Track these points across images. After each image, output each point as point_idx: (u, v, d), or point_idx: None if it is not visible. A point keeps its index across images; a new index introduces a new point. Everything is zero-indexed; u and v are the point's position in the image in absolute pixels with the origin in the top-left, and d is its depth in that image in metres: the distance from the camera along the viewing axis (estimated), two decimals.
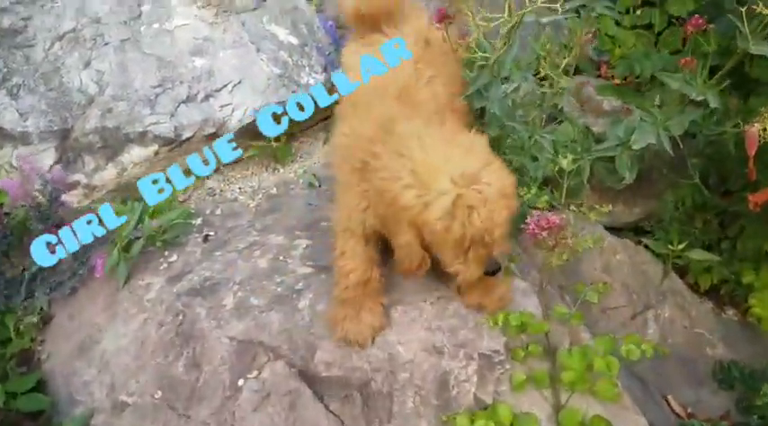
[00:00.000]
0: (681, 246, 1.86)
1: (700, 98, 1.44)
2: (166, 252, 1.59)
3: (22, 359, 1.43)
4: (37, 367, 1.42)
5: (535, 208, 1.46)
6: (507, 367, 1.24)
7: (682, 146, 1.65)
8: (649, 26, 2.45)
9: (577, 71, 2.38)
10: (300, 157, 2.25)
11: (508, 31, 1.40)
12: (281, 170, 2.18)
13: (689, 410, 1.80)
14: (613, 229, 2.24)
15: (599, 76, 2.51)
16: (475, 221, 1.05)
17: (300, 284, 1.40)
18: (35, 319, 1.46)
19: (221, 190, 2.03)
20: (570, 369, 1.18)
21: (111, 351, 1.33)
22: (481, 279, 1.18)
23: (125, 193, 1.80)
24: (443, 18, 1.26)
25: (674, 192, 2.08)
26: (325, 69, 2.28)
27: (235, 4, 2.14)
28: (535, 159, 1.64)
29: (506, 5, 1.35)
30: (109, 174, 1.73)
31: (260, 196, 1.98)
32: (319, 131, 2.41)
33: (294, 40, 2.25)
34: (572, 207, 1.41)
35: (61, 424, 1.25)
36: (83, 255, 1.48)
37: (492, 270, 1.12)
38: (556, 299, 1.47)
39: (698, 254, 1.97)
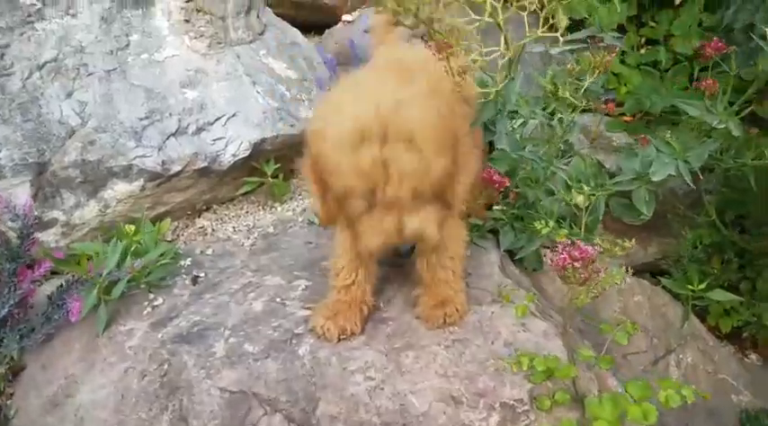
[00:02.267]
0: (701, 286, 1.81)
1: (721, 126, 1.42)
2: (151, 295, 1.50)
3: None
4: (3, 425, 1.30)
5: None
6: (532, 418, 1.16)
7: (700, 179, 1.63)
8: (655, 64, 2.50)
9: (584, 109, 2.41)
10: (300, 195, 2.20)
11: (508, 64, 1.38)
12: (279, 208, 2.12)
13: None
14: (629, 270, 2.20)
15: (606, 114, 2.54)
16: (367, 160, 0.95)
17: (300, 328, 1.33)
18: (2, 370, 1.36)
19: (213, 230, 1.96)
20: (602, 419, 1.10)
21: (87, 405, 1.22)
22: (431, 289, 1.24)
23: (108, 232, 1.72)
24: (443, 48, 1.23)
25: (691, 231, 2.05)
26: None
27: (230, 36, 2.14)
28: (551, 193, 1.60)
29: (503, 37, 1.33)
30: (90, 212, 1.66)
31: (255, 235, 1.92)
32: None
33: (293, 74, 2.25)
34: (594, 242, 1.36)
35: None
36: (58, 298, 1.40)
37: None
38: (578, 343, 1.40)
39: (720, 295, 1.92)
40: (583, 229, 1.44)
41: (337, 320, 1.26)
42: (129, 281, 1.43)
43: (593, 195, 1.64)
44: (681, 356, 2.02)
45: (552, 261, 1.06)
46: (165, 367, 1.24)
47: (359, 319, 1.28)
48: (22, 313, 1.38)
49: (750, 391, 2.01)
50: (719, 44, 1.32)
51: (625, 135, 2.38)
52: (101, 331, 1.38)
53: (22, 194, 1.52)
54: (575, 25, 2.44)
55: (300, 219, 2.03)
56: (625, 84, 2.54)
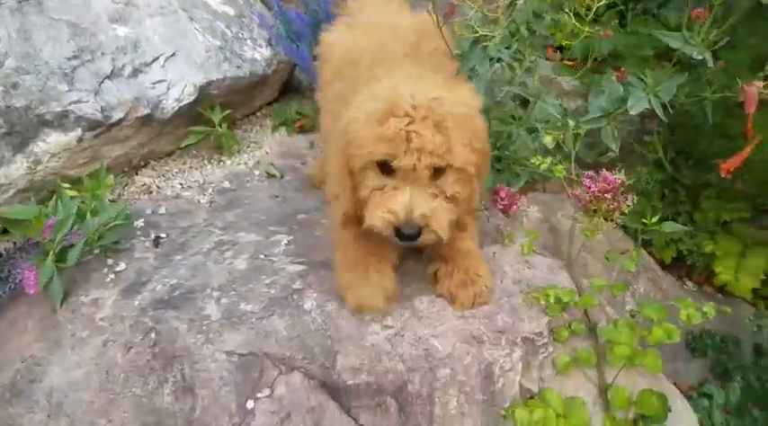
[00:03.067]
0: (654, 220, 1.92)
1: (698, 57, 1.47)
2: (109, 261, 1.33)
3: None
4: None
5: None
6: (550, 349, 1.17)
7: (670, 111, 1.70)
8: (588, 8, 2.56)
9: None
10: (248, 147, 2.05)
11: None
12: (227, 161, 1.97)
13: (691, 385, 1.86)
14: None
15: (546, 59, 2.60)
16: (392, 129, 0.98)
17: (297, 283, 1.24)
18: None
19: (159, 187, 1.78)
20: (622, 344, 1.14)
21: (62, 388, 1.06)
22: (455, 262, 1.16)
23: (40, 192, 1.50)
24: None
25: (645, 168, 2.15)
26: (269, 43, 2.10)
27: None
28: (532, 130, 1.60)
29: None
30: (17, 169, 1.43)
31: (209, 191, 1.76)
32: (265, 118, 2.22)
33: (230, 10, 2.06)
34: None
35: None
36: (2, 269, 1.20)
37: (410, 235, 1.00)
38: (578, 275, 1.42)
39: (669, 227, 2.05)
40: (573, 163, 1.46)
41: (373, 281, 1.13)
42: (85, 245, 1.25)
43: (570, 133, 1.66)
44: (635, 287, 2.14)
45: (578, 194, 1.06)
46: (153, 336, 1.11)
47: (393, 275, 1.17)
48: None
49: None
50: None
51: (572, 77, 2.43)
52: (58, 304, 1.20)
53: None
54: None
55: (257, 173, 1.90)
56: (560, 30, 2.59)
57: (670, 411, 1.18)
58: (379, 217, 1.00)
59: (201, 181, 1.84)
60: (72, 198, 1.38)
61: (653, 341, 1.12)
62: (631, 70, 1.76)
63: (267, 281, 1.25)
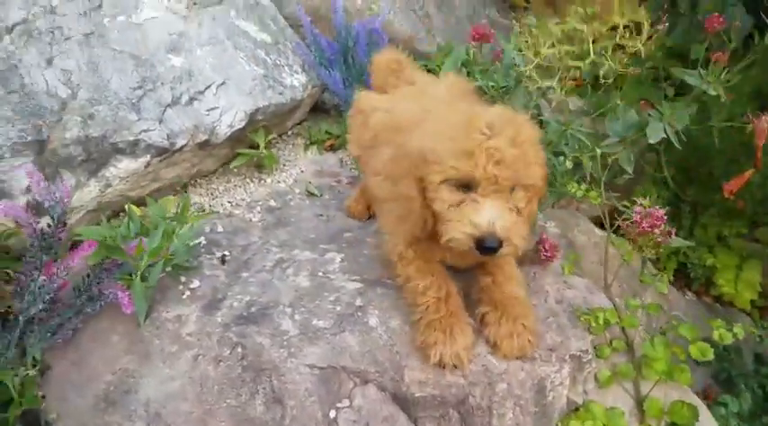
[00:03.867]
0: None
1: (712, 93, 1.61)
2: (182, 278, 1.43)
3: (25, 423, 1.21)
4: None
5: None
6: (593, 365, 1.29)
7: (682, 139, 1.83)
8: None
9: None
10: (284, 166, 2.15)
11: None
12: (267, 180, 2.07)
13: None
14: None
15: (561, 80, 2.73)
16: (473, 144, 1.02)
17: (358, 300, 1.34)
18: (33, 372, 1.24)
19: (210, 205, 1.87)
20: (659, 359, 1.26)
21: (160, 399, 1.16)
22: (504, 308, 1.18)
23: (105, 213, 1.59)
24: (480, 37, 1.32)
25: (655, 187, 2.29)
26: (303, 68, 2.21)
27: None
28: (559, 154, 1.73)
29: None
30: (89, 193, 1.52)
31: (258, 209, 1.86)
32: (296, 137, 2.32)
33: (266, 38, 2.16)
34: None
35: None
36: (86, 288, 1.29)
37: (486, 244, 1.00)
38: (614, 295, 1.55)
39: (677, 242, 2.19)
40: (603, 188, 1.59)
41: (458, 341, 1.16)
42: (162, 266, 1.34)
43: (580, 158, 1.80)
44: (643, 298, 2.27)
45: (629, 228, 1.18)
46: (240, 350, 1.21)
47: (471, 331, 1.20)
48: (51, 309, 1.25)
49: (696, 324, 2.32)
50: (720, 19, 1.48)
51: (577, 98, 2.56)
52: (142, 319, 1.30)
53: (21, 179, 1.35)
54: None
55: (297, 191, 2.00)
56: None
57: (698, 418, 1.30)
58: (459, 230, 1.02)
59: (248, 200, 1.93)
60: (142, 218, 1.47)
61: (693, 356, 1.25)
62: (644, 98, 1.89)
63: (331, 299, 1.35)
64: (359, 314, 1.30)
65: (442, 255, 1.26)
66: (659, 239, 1.18)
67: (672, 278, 2.42)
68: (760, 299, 2.30)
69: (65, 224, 1.24)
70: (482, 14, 2.84)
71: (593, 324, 1.30)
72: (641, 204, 1.23)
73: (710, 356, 1.26)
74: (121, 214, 1.69)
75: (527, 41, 1.73)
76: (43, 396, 1.26)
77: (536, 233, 1.66)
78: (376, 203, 1.47)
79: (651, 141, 1.73)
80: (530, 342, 1.21)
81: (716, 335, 1.26)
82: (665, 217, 1.18)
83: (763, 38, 1.49)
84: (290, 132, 2.34)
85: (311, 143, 2.28)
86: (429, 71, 2.39)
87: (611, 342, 1.32)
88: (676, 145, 1.78)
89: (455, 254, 1.21)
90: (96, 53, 1.63)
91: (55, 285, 1.21)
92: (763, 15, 1.42)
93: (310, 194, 1.97)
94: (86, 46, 1.62)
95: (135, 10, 1.76)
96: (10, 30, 1.53)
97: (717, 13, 1.53)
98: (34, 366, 1.26)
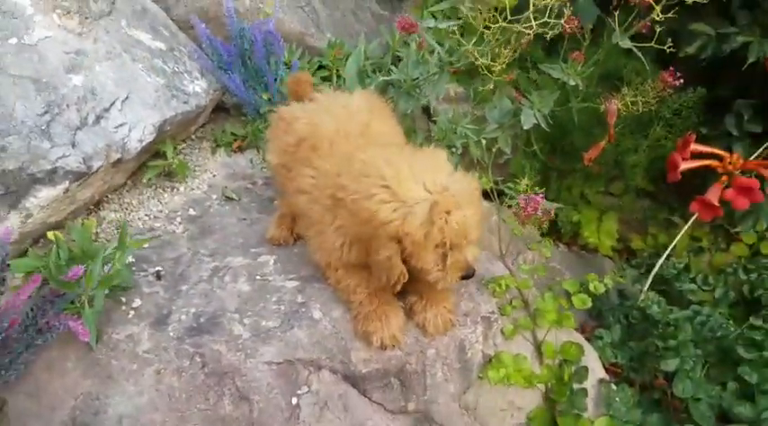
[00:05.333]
0: None
1: (572, 83, 1.91)
2: (123, 299, 1.48)
3: None
4: None
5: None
6: (500, 322, 1.55)
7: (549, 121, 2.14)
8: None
9: None
10: (194, 171, 2.18)
11: None
12: (180, 188, 2.09)
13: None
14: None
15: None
16: (452, 224, 1.19)
17: (299, 297, 1.49)
18: None
19: (127, 222, 1.88)
20: (549, 311, 1.55)
21: (133, 414, 1.23)
22: (428, 296, 1.41)
23: (27, 242, 1.57)
24: (407, 27, 1.47)
25: (527, 159, 2.62)
26: (202, 74, 2.23)
27: (92, 9, 1.95)
28: (451, 146, 1.96)
29: None
30: (11, 225, 1.50)
31: (178, 220, 1.91)
32: (201, 141, 2.34)
33: (161, 45, 2.16)
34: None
35: None
36: (31, 321, 1.30)
37: (468, 275, 1.28)
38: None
39: (546, 205, 2.56)
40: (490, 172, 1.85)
41: (392, 323, 1.36)
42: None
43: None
44: (525, 255, 2.63)
45: (516, 212, 1.43)
46: (198, 359, 1.31)
47: (402, 313, 1.41)
48: (2, 346, 1.26)
49: (569, 272, 2.72)
50: (575, 21, 1.75)
51: (456, 85, 2.80)
52: (94, 344, 1.34)
53: None
54: None
55: (215, 197, 2.06)
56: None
57: (584, 352, 1.62)
58: (455, 276, 1.27)
59: (166, 211, 1.96)
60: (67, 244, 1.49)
61: (576, 307, 1.56)
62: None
63: (274, 299, 1.48)
64: (302, 310, 1.44)
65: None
66: (542, 219, 1.44)
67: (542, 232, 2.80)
68: (618, 244, 2.73)
69: (8, 265, 1.24)
70: (365, 8, 2.98)
71: (497, 289, 1.56)
72: (524, 190, 1.48)
73: (589, 304, 1.57)
74: (41, 241, 1.66)
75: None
76: None
77: None
78: (303, 220, 1.54)
79: (525, 127, 2.02)
80: (450, 320, 1.45)
81: (591, 287, 1.57)
82: (542, 200, 1.44)
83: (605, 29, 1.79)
84: (193, 136, 2.36)
85: (218, 145, 2.32)
86: (325, 70, 2.51)
87: (511, 302, 1.59)
88: (545, 127, 2.08)
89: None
90: None
91: (5, 324, 1.22)
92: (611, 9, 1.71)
93: (228, 198, 2.04)
94: None
95: (27, 31, 1.69)
96: None
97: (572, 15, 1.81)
98: None
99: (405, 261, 1.26)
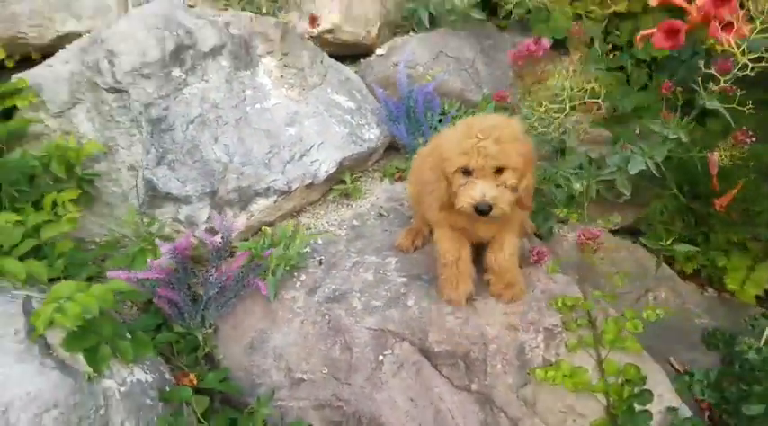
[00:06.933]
0: (668, 242, 2.32)
1: (673, 136, 1.90)
2: (296, 274, 2.01)
3: (207, 361, 1.85)
4: (217, 365, 1.83)
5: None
6: (564, 336, 1.67)
7: (662, 168, 2.11)
8: (621, 67, 2.94)
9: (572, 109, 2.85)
10: (365, 194, 2.69)
11: None
12: (353, 206, 2.62)
13: (686, 367, 2.22)
14: (614, 232, 2.70)
15: (586, 111, 2.99)
16: (475, 150, 1.38)
17: (403, 289, 1.84)
18: (210, 331, 1.88)
19: (314, 225, 2.47)
20: (610, 333, 1.62)
21: (282, 346, 1.75)
22: (500, 274, 1.63)
23: (251, 232, 2.24)
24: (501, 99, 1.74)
25: (659, 201, 2.53)
26: (377, 125, 2.74)
27: (308, 82, 2.61)
28: (558, 186, 2.10)
29: None
30: (241, 220, 2.16)
31: (345, 227, 2.42)
32: (374, 172, 2.86)
33: (352, 105, 2.72)
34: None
35: (258, 398, 1.66)
36: (240, 279, 1.91)
37: (483, 210, 1.39)
38: (589, 288, 1.90)
39: (682, 247, 2.43)
40: (586, 211, 1.94)
41: (460, 288, 1.67)
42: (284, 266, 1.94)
43: (587, 182, 2.14)
44: (656, 293, 2.52)
45: (580, 239, 1.56)
46: (327, 318, 1.77)
47: (472, 283, 1.68)
48: (221, 292, 1.89)
49: (708, 316, 2.51)
50: (669, 85, 1.78)
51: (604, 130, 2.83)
52: (272, 299, 1.89)
53: (203, 213, 2.03)
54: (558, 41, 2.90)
55: (373, 213, 2.53)
56: (601, 86, 2.96)
57: (646, 377, 1.63)
58: (464, 201, 1.41)
59: (339, 220, 2.50)
60: (276, 235, 2.09)
61: (627, 329, 1.60)
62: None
63: (385, 288, 1.86)
64: (402, 298, 1.80)
65: (462, 222, 1.60)
66: (595, 248, 1.54)
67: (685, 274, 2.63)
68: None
69: (230, 242, 1.87)
70: None
71: (561, 307, 1.68)
72: (586, 226, 1.60)
73: (640, 328, 1.59)
74: (259, 232, 2.33)
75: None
76: (215, 345, 1.90)
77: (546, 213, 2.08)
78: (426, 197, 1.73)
79: (631, 172, 2.05)
80: (521, 290, 1.69)
81: (645, 316, 1.59)
82: (599, 233, 1.55)
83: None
84: (370, 168, 2.88)
85: (385, 176, 2.81)
86: None
87: (576, 320, 1.69)
88: (656, 174, 2.08)
89: (468, 220, 1.55)
90: (244, 131, 2.29)
91: (224, 277, 1.84)
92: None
93: (381, 215, 2.50)
94: (237, 127, 2.28)
95: (266, 100, 2.40)
96: (192, 121, 2.23)
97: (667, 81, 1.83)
98: (210, 327, 1.90)
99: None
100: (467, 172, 1.43)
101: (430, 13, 3.13)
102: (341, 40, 3.10)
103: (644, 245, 2.59)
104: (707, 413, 1.88)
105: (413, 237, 2.08)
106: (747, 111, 1.68)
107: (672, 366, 2.23)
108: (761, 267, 2.56)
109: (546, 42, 1.77)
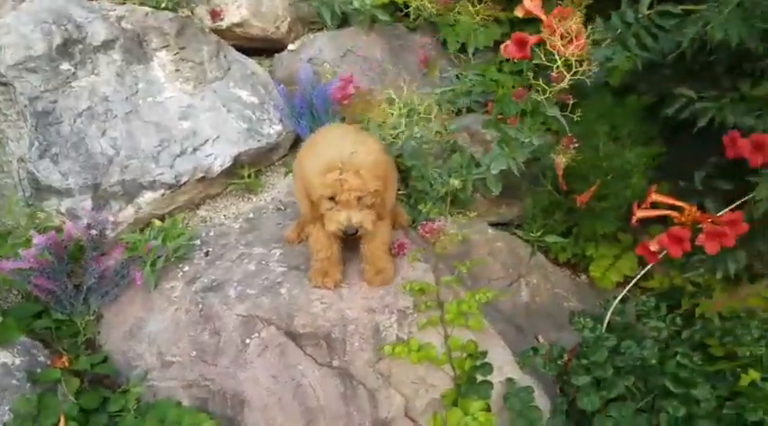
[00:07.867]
0: (539, 233, 2.57)
1: (526, 140, 2.14)
2: (180, 265, 2.12)
3: (88, 345, 1.93)
4: (98, 350, 1.92)
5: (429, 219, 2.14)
6: (415, 316, 1.87)
7: (522, 168, 2.34)
8: (520, 71, 3.15)
9: (470, 110, 3.06)
10: (267, 188, 2.81)
11: None
12: (254, 199, 2.73)
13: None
14: (498, 225, 2.93)
15: (485, 112, 3.19)
16: (332, 183, 1.55)
17: (279, 278, 1.98)
18: (92, 318, 1.96)
19: (211, 218, 2.56)
20: (451, 312, 1.83)
21: (156, 332, 1.85)
22: (373, 262, 1.81)
23: (140, 225, 2.31)
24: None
25: (533, 197, 2.78)
26: (280, 121, 2.86)
27: (207, 76, 2.69)
28: (431, 184, 2.31)
29: None
30: (128, 213, 2.23)
31: (240, 220, 2.53)
32: (280, 167, 2.98)
33: (255, 100, 2.82)
34: (458, 214, 2.08)
35: (128, 380, 1.77)
36: (121, 271, 1.99)
37: (350, 233, 1.61)
38: (446, 274, 2.10)
39: (551, 238, 2.70)
40: (448, 207, 2.15)
41: (328, 276, 1.84)
42: (166, 257, 2.04)
43: (465, 180, 2.36)
44: (528, 279, 2.76)
45: (421, 233, 1.75)
46: (200, 306, 1.88)
47: (340, 273, 1.87)
48: (101, 282, 1.97)
49: (576, 299, 2.78)
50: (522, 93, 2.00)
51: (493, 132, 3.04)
52: (152, 289, 1.99)
53: (86, 206, 2.09)
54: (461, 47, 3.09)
55: (271, 207, 2.66)
56: (501, 88, 3.16)
57: (486, 352, 1.85)
58: (332, 226, 1.61)
59: (237, 213, 2.61)
60: (160, 229, 2.18)
61: (465, 309, 1.82)
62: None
63: (263, 277, 2.00)
64: (276, 286, 1.94)
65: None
66: (434, 240, 1.74)
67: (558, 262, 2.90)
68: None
69: (106, 235, 1.95)
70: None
71: (413, 291, 1.88)
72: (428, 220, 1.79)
73: (475, 309, 1.80)
74: (150, 225, 2.41)
75: None
76: (98, 332, 1.98)
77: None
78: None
79: (493, 172, 2.28)
80: (390, 277, 1.87)
81: (480, 298, 1.81)
82: (438, 227, 1.74)
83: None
84: (276, 163, 2.99)
85: (288, 171, 2.93)
86: None
87: (426, 302, 1.89)
88: (517, 174, 2.31)
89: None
90: (134, 125, 2.34)
91: (102, 267, 1.92)
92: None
93: (278, 209, 2.62)
94: (127, 121, 2.33)
95: (159, 94, 2.46)
96: (80, 114, 2.27)
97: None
98: (93, 314, 1.98)
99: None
100: (331, 199, 1.59)
101: (343, 12, 3.23)
102: (250, 35, 3.17)
103: (520, 237, 2.83)
104: (558, 386, 2.14)
105: (299, 230, 2.23)
106: (576, 118, 1.91)
107: (537, 342, 2.49)
108: (628, 256, 2.86)
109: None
